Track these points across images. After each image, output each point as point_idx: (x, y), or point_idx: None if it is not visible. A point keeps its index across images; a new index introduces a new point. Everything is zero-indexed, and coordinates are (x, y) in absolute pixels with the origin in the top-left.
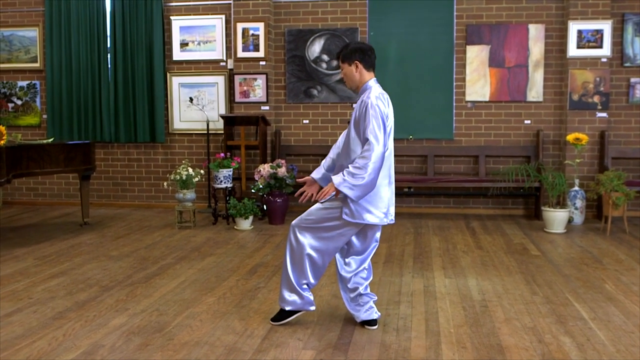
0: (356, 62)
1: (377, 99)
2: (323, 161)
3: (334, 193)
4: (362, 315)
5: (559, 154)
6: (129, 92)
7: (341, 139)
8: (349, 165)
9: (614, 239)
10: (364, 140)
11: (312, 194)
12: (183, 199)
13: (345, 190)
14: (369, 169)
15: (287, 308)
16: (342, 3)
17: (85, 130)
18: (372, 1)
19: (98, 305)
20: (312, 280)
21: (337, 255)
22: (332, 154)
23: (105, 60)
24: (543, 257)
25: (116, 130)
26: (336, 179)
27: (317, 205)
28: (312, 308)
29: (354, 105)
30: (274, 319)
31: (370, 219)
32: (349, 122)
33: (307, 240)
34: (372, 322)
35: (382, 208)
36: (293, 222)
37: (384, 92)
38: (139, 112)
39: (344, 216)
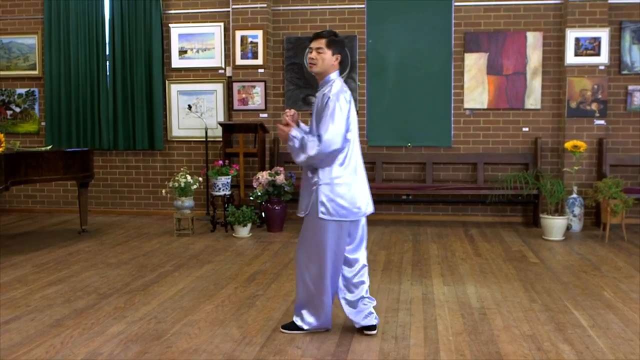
0: (338, 55)
1: (337, 95)
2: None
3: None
4: (362, 321)
5: (557, 162)
6: (128, 99)
7: None
8: (307, 135)
9: (613, 247)
10: (317, 134)
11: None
12: (181, 206)
13: (293, 141)
14: (308, 153)
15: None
16: (340, 11)
17: (84, 138)
18: (371, 9)
19: (96, 313)
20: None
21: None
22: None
23: (104, 68)
24: (542, 265)
25: (115, 138)
26: (295, 132)
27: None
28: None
29: (318, 92)
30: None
31: (348, 215)
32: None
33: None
34: (371, 328)
35: (356, 203)
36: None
37: (347, 89)
38: (138, 120)
39: (321, 215)
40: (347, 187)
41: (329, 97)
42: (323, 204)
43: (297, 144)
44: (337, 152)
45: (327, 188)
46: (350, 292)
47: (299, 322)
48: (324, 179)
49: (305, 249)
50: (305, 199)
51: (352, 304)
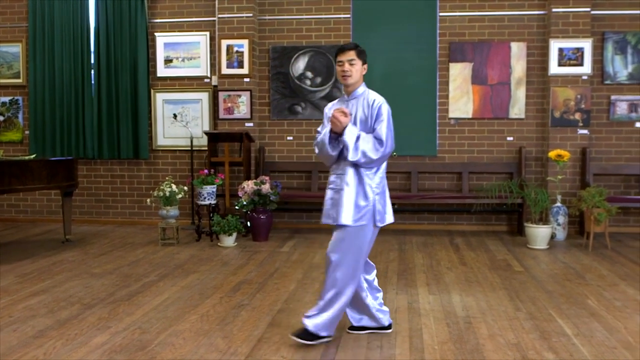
0: (366, 65)
1: (386, 104)
2: None
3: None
4: (388, 318)
5: (541, 171)
6: (113, 108)
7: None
8: (363, 134)
9: (596, 255)
10: (378, 139)
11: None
12: (166, 215)
13: (347, 135)
14: (377, 154)
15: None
16: (326, 20)
17: (68, 147)
18: (357, 19)
19: (80, 324)
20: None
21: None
22: None
23: (88, 76)
24: (526, 273)
25: (99, 147)
26: (350, 129)
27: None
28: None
29: (349, 102)
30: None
31: (389, 219)
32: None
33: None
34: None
35: (390, 208)
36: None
37: None
38: (123, 129)
39: (378, 224)
40: (386, 194)
41: (380, 104)
42: (379, 212)
43: (351, 139)
44: (389, 155)
45: (379, 197)
46: (377, 289)
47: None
48: (378, 187)
49: (345, 255)
50: (346, 206)
51: (377, 301)
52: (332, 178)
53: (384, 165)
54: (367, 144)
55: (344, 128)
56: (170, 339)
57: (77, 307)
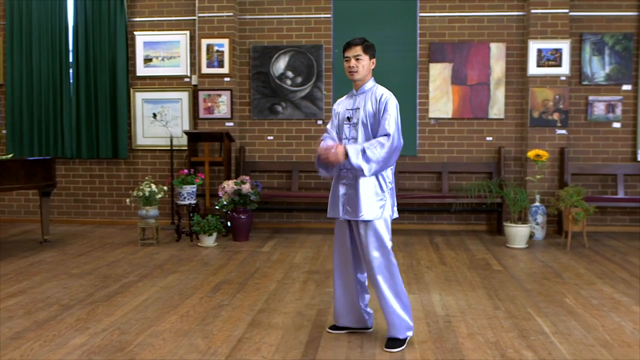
0: (374, 59)
1: (393, 98)
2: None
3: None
4: (371, 320)
5: (520, 170)
6: (92, 107)
7: (333, 131)
8: (366, 144)
9: (574, 254)
10: (383, 133)
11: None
12: (146, 215)
13: (362, 163)
14: (385, 150)
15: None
16: (307, 20)
17: (46, 146)
18: (337, 19)
19: (58, 325)
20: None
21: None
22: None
23: (67, 75)
24: (505, 272)
25: (78, 146)
26: (352, 151)
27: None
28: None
29: (358, 97)
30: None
31: (396, 213)
32: (347, 118)
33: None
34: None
35: (395, 202)
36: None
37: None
38: (102, 128)
39: (393, 215)
40: (394, 188)
41: (388, 99)
42: (393, 204)
43: (359, 158)
44: (400, 149)
45: (391, 191)
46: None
47: (406, 333)
48: (391, 182)
49: (384, 251)
50: (364, 201)
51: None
52: (342, 172)
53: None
54: (374, 151)
55: (345, 153)
56: (149, 340)
57: (55, 308)
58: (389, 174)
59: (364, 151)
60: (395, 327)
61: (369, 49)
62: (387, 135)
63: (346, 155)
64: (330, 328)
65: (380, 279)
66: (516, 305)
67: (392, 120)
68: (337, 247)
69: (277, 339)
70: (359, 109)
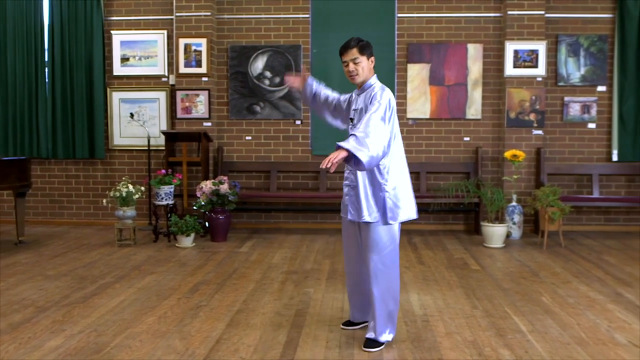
0: (372, 58)
1: (382, 89)
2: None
3: (342, 156)
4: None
5: (497, 170)
6: (68, 107)
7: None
8: (355, 132)
9: (551, 253)
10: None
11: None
12: (123, 216)
13: (360, 154)
14: (371, 130)
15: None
16: (285, 20)
17: (21, 146)
18: (316, 19)
19: (33, 327)
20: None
21: (351, 269)
22: (330, 94)
23: (42, 74)
24: (483, 272)
25: (54, 146)
26: (348, 144)
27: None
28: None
29: (360, 96)
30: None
31: (407, 215)
32: (350, 119)
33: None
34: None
35: (409, 203)
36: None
37: (389, 91)
38: (78, 128)
39: (390, 221)
40: (403, 189)
41: (376, 91)
42: (390, 209)
43: (356, 145)
44: (387, 133)
45: (390, 193)
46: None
47: (385, 337)
48: (389, 184)
49: (381, 256)
50: (365, 203)
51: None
52: (345, 174)
53: (397, 160)
54: (365, 139)
55: (348, 150)
56: (126, 342)
57: (30, 310)
58: (385, 175)
59: (356, 138)
60: (375, 329)
61: (366, 49)
62: (367, 122)
63: (346, 154)
64: (343, 324)
65: (372, 281)
66: (493, 305)
67: (375, 107)
68: (345, 246)
69: (255, 340)
70: (360, 109)
